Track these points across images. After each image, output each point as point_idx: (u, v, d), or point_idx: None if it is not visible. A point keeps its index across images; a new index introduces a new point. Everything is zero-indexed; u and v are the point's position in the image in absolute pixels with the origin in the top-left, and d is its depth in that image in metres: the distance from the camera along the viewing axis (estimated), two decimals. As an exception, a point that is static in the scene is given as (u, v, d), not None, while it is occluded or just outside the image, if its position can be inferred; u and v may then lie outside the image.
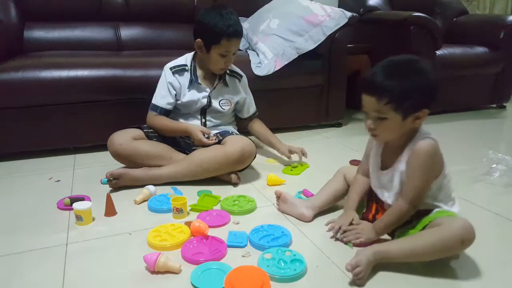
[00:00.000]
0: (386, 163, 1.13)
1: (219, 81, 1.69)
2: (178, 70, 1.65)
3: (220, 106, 1.70)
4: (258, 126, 1.86)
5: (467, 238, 0.97)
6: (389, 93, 0.97)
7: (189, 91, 1.65)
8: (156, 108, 1.64)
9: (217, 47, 1.56)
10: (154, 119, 1.64)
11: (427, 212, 1.07)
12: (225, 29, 1.52)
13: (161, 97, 1.64)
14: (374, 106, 1.00)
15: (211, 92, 1.67)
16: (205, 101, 1.66)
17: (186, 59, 1.69)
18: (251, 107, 1.85)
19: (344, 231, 1.15)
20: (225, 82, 1.70)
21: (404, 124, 1.01)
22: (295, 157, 1.78)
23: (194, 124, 1.65)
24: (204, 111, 1.69)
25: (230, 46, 1.56)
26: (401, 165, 1.06)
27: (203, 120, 1.71)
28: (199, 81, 1.65)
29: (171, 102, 1.64)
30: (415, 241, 0.99)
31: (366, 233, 1.11)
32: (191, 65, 1.66)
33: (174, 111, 1.70)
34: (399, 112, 0.99)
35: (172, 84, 1.63)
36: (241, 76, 1.78)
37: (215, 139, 1.55)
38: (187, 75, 1.65)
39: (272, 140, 1.81)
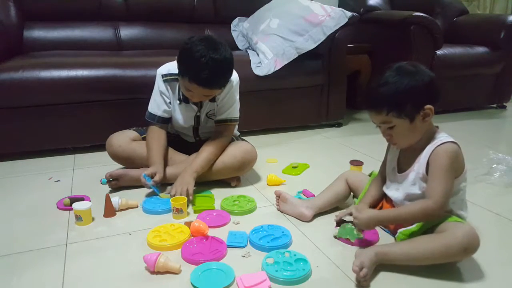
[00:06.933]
0: (403, 167, 1.13)
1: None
2: (170, 80, 1.50)
3: (209, 117, 1.57)
4: (210, 139, 1.53)
5: (470, 246, 0.96)
6: (385, 103, 1.01)
7: (179, 105, 1.53)
8: (154, 117, 1.54)
9: (181, 79, 1.40)
10: (148, 134, 1.54)
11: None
12: (188, 71, 1.34)
13: (157, 106, 1.53)
14: (378, 118, 1.05)
15: (198, 111, 1.54)
16: (193, 121, 1.57)
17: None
18: (220, 114, 1.55)
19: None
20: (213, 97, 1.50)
21: (415, 126, 1.03)
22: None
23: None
24: (196, 128, 1.61)
25: (191, 87, 1.37)
26: (418, 166, 1.06)
27: (197, 138, 1.64)
28: (188, 100, 1.51)
29: (168, 110, 1.54)
30: (416, 245, 0.99)
31: (363, 212, 1.08)
32: None
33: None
34: (403, 117, 1.02)
35: (163, 93, 1.53)
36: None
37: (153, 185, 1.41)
38: (177, 88, 1.52)
39: (196, 159, 1.47)
